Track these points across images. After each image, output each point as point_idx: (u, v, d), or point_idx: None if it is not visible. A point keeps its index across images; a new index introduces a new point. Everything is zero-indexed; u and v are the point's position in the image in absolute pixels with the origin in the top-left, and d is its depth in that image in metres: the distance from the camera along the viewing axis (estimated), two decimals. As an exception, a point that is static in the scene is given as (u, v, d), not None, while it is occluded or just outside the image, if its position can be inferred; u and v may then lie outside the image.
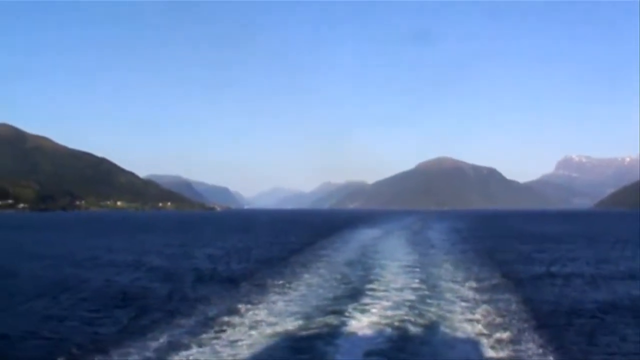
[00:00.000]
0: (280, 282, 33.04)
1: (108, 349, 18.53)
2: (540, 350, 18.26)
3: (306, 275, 35.74)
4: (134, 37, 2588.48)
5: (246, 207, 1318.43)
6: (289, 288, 30.69)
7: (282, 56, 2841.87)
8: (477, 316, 23.03)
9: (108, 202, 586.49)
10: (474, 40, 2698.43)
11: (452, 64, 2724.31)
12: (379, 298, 26.41)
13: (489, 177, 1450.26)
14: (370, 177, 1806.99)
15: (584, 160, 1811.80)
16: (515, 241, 76.88)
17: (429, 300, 25.87)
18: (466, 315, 23.22)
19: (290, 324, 21.22)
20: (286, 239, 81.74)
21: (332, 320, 21.52)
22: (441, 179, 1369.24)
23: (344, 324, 20.92)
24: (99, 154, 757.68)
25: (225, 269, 43.48)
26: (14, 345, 19.83)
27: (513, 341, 19.15)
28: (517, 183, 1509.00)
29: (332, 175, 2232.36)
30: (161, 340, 19.23)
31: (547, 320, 23.34)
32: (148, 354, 17.49)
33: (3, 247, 67.19)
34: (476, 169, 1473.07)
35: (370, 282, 31.79)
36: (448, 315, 23.03)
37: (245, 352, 17.50)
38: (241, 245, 67.44)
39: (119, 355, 17.70)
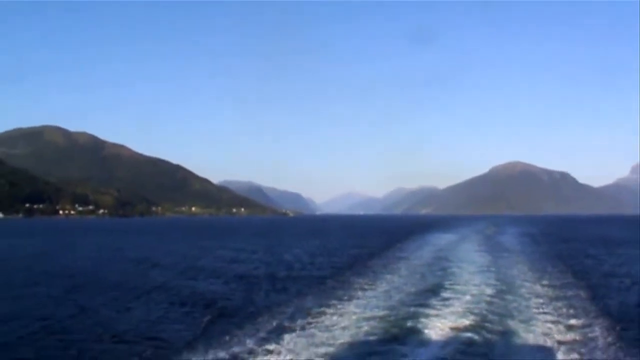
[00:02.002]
0: (364, 280, 35.94)
1: (231, 330, 22.35)
2: (610, 343, 19.87)
3: (387, 275, 38.27)
4: (205, 46, 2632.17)
5: (318, 212, 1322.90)
6: (373, 285, 33.53)
7: (354, 65, 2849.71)
8: (550, 310, 25.18)
9: (183, 208, 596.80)
10: (547, 42, 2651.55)
11: (525, 67, 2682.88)
12: (459, 292, 29.05)
13: (562, 182, 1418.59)
14: (443, 182, 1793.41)
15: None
16: (587, 245, 77.75)
17: (505, 296, 28.28)
18: (540, 309, 25.30)
19: (378, 313, 24.12)
20: (364, 242, 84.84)
21: (416, 310, 24.22)
22: (513, 183, 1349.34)
23: (427, 314, 23.41)
24: (174, 161, 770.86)
25: (311, 269, 47.01)
26: (119, 345, 21.91)
27: (582, 333, 21.11)
28: (591, 187, 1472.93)
29: (405, 181, 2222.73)
30: (270, 324, 22.81)
31: (615, 315, 25.10)
32: (262, 334, 20.95)
33: (109, 252, 72.36)
34: (549, 173, 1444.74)
35: (449, 279, 34.37)
36: (523, 309, 25.22)
37: (340, 335, 20.52)
38: (322, 249, 70.66)
39: (247, 329, 21.87)
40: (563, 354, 18.28)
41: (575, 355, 18.16)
